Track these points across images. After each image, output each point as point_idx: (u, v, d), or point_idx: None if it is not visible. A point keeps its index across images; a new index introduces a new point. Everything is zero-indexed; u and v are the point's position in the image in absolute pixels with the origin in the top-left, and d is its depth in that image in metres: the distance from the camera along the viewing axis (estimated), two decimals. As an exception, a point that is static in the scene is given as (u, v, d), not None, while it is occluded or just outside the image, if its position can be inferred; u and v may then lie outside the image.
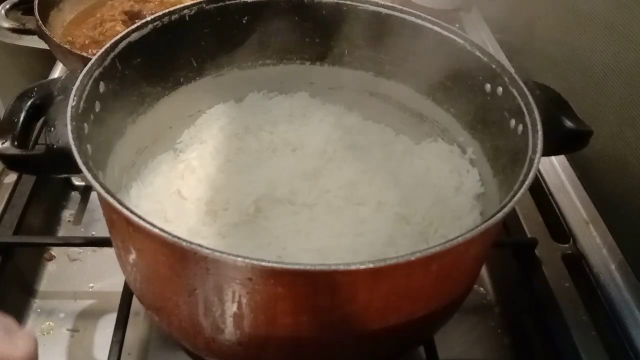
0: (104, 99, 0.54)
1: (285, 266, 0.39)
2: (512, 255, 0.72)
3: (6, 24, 0.83)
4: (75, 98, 0.48)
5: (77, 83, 0.50)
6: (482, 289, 0.73)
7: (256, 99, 0.73)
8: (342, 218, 0.58)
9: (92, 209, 0.78)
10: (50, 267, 0.70)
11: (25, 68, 1.07)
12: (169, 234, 0.40)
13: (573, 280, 0.68)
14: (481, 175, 0.63)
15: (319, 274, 0.40)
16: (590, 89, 0.81)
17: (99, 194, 0.43)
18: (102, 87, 0.53)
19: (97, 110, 0.52)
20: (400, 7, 0.65)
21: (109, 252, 0.59)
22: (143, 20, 0.59)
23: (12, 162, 0.50)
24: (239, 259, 0.39)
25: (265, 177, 0.61)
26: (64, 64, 0.88)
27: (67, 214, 0.78)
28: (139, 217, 0.41)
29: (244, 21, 0.67)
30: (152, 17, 0.59)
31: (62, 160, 0.48)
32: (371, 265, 0.39)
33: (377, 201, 0.59)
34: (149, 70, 0.61)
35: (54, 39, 0.78)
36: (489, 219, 0.43)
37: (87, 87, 0.50)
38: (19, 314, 0.65)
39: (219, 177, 0.61)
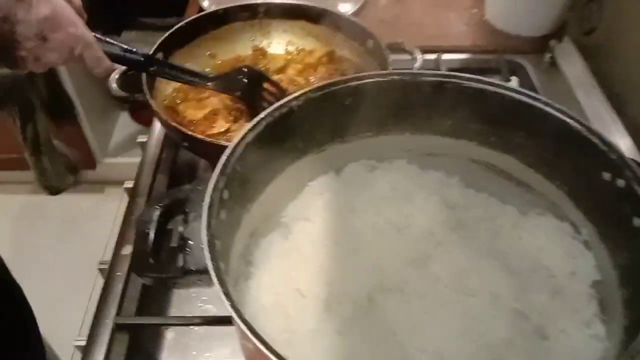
0: (227, 206, 0.56)
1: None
2: None
3: (118, 94, 0.87)
4: (206, 222, 0.50)
5: (208, 199, 0.52)
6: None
7: (357, 171, 0.74)
8: (455, 313, 0.58)
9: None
10: (168, 336, 0.75)
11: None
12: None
13: None
14: (597, 260, 0.61)
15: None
16: None
17: (233, 320, 0.46)
18: (225, 194, 0.56)
19: (222, 217, 0.55)
20: (514, 87, 0.63)
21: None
22: (256, 120, 0.61)
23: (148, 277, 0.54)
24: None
25: (373, 263, 0.62)
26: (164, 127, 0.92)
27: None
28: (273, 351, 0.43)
29: (347, 102, 0.68)
30: (264, 114, 0.61)
31: (194, 276, 0.51)
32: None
33: (489, 292, 0.59)
34: (261, 163, 0.63)
35: (161, 113, 0.82)
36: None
37: (216, 203, 0.53)
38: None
39: (331, 266, 0.62)
